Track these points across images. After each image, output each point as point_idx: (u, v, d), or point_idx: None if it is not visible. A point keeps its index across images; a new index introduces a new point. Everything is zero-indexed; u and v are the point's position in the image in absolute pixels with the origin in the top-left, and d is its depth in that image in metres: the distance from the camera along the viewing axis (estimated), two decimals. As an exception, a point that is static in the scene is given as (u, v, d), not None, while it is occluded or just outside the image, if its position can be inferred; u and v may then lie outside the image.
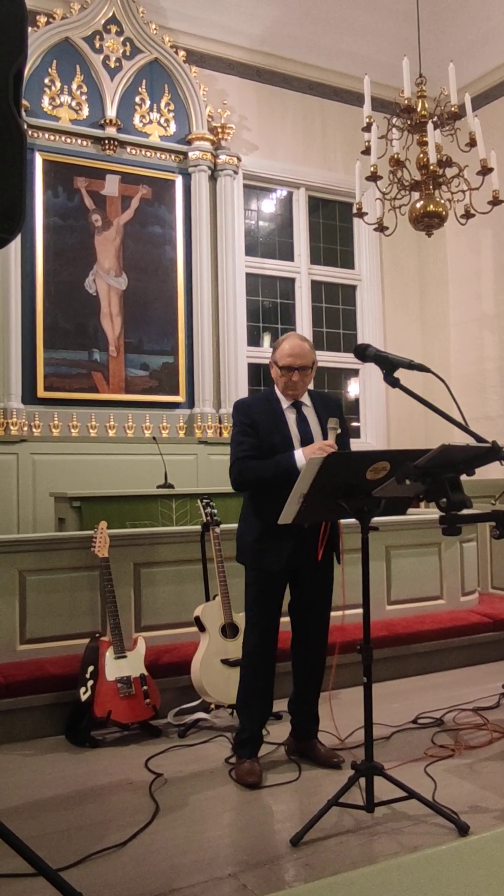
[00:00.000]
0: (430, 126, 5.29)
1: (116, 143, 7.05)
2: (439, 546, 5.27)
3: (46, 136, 6.82)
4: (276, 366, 3.39)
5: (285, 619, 3.45)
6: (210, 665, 3.87)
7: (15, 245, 6.49)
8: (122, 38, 7.16)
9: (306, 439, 3.34)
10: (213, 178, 7.53)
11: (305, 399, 3.46)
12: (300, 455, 3.22)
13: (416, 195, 5.64)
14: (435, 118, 5.42)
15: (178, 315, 7.31)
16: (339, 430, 3.29)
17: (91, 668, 3.74)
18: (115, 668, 3.75)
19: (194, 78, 7.41)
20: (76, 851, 2.63)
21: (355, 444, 8.25)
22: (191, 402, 7.32)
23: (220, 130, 7.50)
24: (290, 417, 3.39)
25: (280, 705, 3.73)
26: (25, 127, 2.02)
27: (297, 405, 3.42)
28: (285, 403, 3.42)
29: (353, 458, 2.97)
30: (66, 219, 6.89)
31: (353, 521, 2.89)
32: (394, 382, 2.84)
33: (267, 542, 3.28)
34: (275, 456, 3.27)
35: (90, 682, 3.71)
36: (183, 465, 6.91)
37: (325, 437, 3.36)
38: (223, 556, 4.03)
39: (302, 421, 3.40)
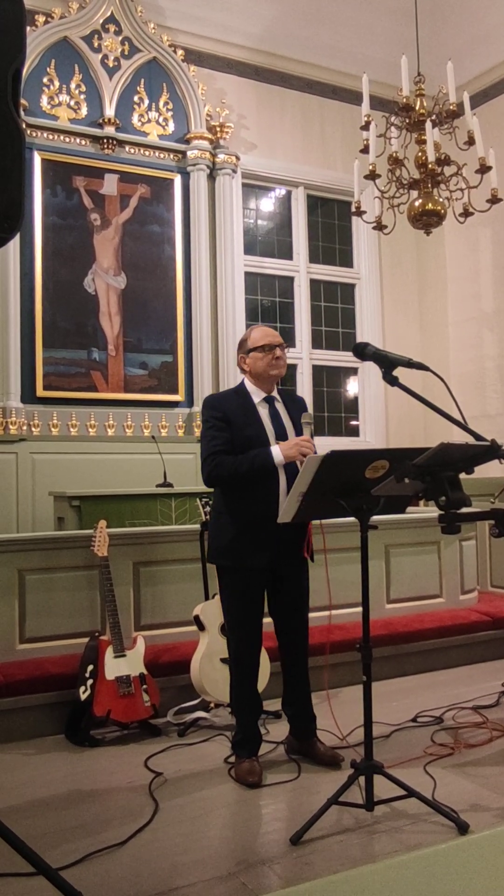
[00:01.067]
0: (428, 124, 5.29)
1: (115, 142, 7.05)
2: (438, 544, 5.27)
3: (45, 135, 6.82)
4: (255, 351, 3.36)
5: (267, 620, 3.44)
6: (209, 664, 3.87)
7: (14, 244, 6.49)
8: (120, 38, 7.16)
9: (280, 434, 3.33)
10: (211, 177, 7.53)
11: (275, 394, 3.45)
12: (277, 451, 3.20)
13: (414, 193, 5.64)
14: (433, 116, 5.42)
15: (177, 314, 7.31)
16: (312, 425, 3.29)
17: (90, 668, 3.74)
18: (114, 667, 3.75)
19: (193, 77, 7.41)
20: (76, 850, 2.63)
21: (354, 443, 8.26)
22: (190, 401, 7.33)
23: (218, 129, 7.50)
24: (263, 412, 3.37)
25: (277, 705, 3.73)
26: (24, 126, 2.02)
27: (269, 399, 3.40)
28: (257, 398, 3.39)
29: (353, 456, 2.96)
30: (65, 218, 6.89)
31: (352, 519, 2.88)
32: (392, 381, 2.84)
33: (246, 541, 3.25)
34: (248, 451, 3.24)
35: (90, 682, 3.71)
36: (182, 463, 6.91)
37: (297, 431, 3.36)
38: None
39: (275, 415, 3.39)
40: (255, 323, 7.94)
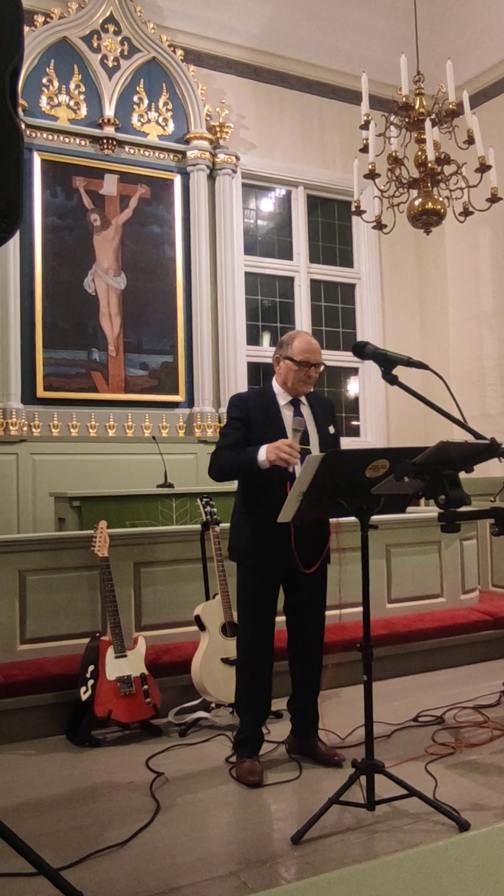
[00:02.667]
0: (428, 123, 5.29)
1: (115, 142, 7.05)
2: (439, 544, 5.27)
3: (44, 135, 6.83)
4: (291, 361, 3.32)
5: (280, 619, 3.44)
6: (210, 664, 3.87)
7: (14, 245, 6.49)
8: (119, 38, 7.16)
9: (303, 439, 3.29)
10: (211, 178, 7.53)
11: (302, 398, 3.44)
12: (262, 451, 3.16)
13: (414, 193, 5.64)
14: (433, 115, 5.42)
15: (178, 314, 7.31)
16: (301, 430, 3.23)
17: (91, 668, 3.74)
18: (115, 667, 3.75)
19: (192, 77, 7.41)
20: (77, 850, 2.63)
21: (354, 443, 8.26)
22: (190, 402, 7.33)
23: (218, 129, 7.50)
24: (287, 414, 3.35)
25: (280, 704, 3.73)
26: (23, 126, 2.02)
27: (294, 402, 3.39)
28: (283, 400, 3.38)
29: (353, 455, 2.96)
30: (65, 218, 6.89)
31: (352, 519, 2.88)
32: (392, 380, 2.84)
33: (264, 541, 3.25)
34: None
35: (91, 682, 3.70)
36: (182, 464, 6.91)
37: (320, 435, 3.36)
38: (223, 555, 4.02)
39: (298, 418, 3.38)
40: (255, 323, 7.96)
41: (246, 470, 3.21)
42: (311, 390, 3.43)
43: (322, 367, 3.41)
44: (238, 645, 3.44)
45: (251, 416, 3.32)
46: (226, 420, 3.44)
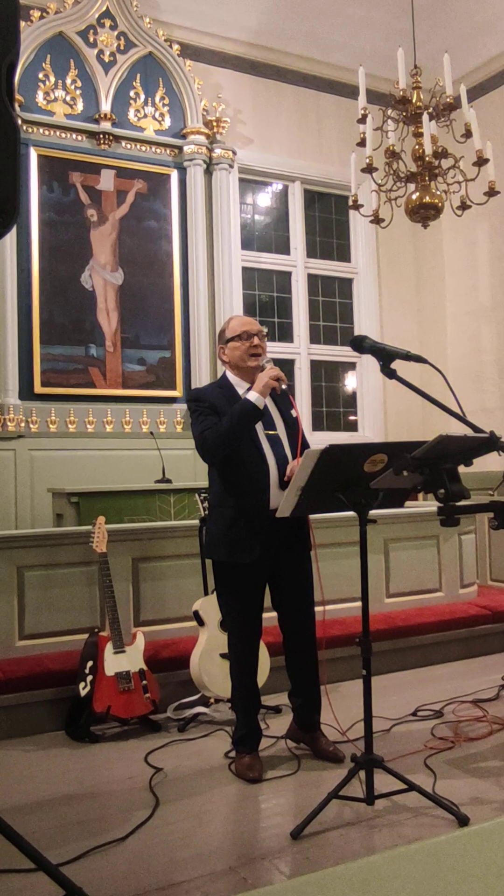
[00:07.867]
0: (425, 117, 5.27)
1: (111, 137, 7.03)
2: (438, 538, 5.27)
3: (41, 130, 6.80)
4: (233, 340, 3.34)
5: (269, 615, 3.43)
6: (209, 659, 3.87)
7: (10, 241, 6.48)
8: (115, 32, 7.14)
9: (268, 423, 3.30)
10: (208, 172, 7.51)
11: None
12: (251, 393, 3.18)
13: (411, 187, 5.63)
14: (430, 109, 5.41)
15: (175, 310, 7.30)
16: (272, 362, 3.29)
17: (90, 664, 3.73)
18: (114, 663, 3.74)
19: (189, 72, 7.39)
20: (76, 846, 2.63)
21: (352, 438, 8.26)
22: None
23: (215, 124, 7.48)
24: None
25: (280, 699, 3.73)
26: (19, 122, 2.01)
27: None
28: (241, 389, 3.36)
29: (351, 450, 2.96)
30: (62, 214, 6.87)
31: (350, 513, 2.88)
32: (391, 374, 2.83)
33: (239, 533, 3.23)
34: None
35: (89, 678, 3.70)
36: (181, 459, 6.90)
37: (286, 420, 3.36)
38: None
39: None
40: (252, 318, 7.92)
41: (246, 418, 3.16)
42: (263, 359, 3.35)
43: (265, 333, 3.41)
44: (228, 644, 3.43)
45: (216, 406, 3.29)
46: (191, 415, 3.36)
